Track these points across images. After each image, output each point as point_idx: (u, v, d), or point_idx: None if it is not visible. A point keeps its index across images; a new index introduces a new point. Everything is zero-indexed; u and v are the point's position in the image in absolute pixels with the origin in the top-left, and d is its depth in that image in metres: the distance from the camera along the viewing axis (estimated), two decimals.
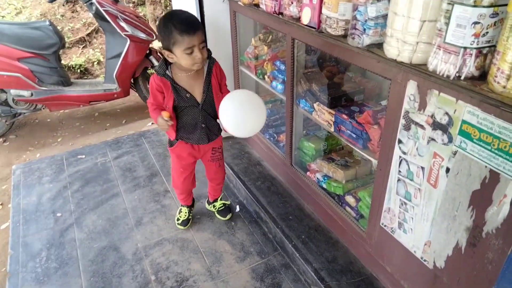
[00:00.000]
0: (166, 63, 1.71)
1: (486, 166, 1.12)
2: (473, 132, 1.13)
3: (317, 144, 2.14)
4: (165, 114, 1.66)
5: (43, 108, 3.67)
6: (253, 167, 2.59)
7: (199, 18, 2.50)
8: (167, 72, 1.70)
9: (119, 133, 3.55)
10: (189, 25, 1.57)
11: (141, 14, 4.84)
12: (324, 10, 1.61)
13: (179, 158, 2.01)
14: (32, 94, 3.43)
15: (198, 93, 1.77)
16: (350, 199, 1.87)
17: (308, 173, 2.17)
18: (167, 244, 2.10)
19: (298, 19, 1.82)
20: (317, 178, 2.07)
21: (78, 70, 4.54)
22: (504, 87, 1.04)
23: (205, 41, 1.68)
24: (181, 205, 2.23)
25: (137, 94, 3.91)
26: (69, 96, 3.56)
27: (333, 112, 1.81)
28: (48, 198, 2.53)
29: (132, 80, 3.76)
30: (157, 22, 1.63)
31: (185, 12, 1.67)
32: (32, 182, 2.70)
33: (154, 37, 3.63)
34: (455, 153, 1.21)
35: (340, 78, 2.01)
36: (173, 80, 1.71)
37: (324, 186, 2.01)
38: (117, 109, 4.12)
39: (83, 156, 2.96)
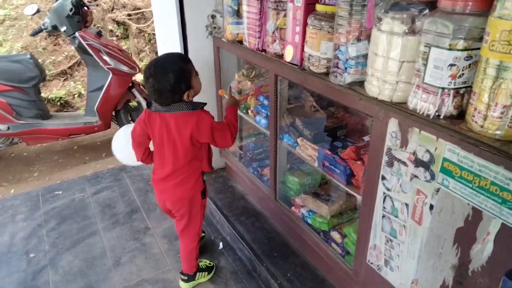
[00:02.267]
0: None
1: (468, 204, 1.13)
2: (454, 169, 1.15)
3: (302, 178, 2.13)
4: (222, 92, 1.84)
5: (20, 142, 3.57)
6: (237, 201, 2.55)
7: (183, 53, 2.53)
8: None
9: (98, 167, 3.47)
10: (186, 58, 1.67)
11: (124, 48, 4.87)
12: (306, 49, 1.66)
13: (206, 201, 1.94)
14: (9, 128, 3.34)
15: None
16: (335, 235, 1.85)
17: (293, 208, 2.15)
18: (147, 286, 2.01)
19: (281, 56, 1.86)
20: (302, 213, 2.05)
21: (58, 103, 4.48)
22: (482, 126, 1.07)
23: None
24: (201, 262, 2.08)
25: (118, 127, 3.86)
26: (48, 129, 3.49)
27: (317, 148, 1.82)
28: (21, 237, 2.41)
29: (113, 113, 3.73)
30: (164, 74, 1.55)
31: (167, 55, 1.66)
32: (4, 220, 2.58)
33: (137, 70, 3.64)
34: (437, 190, 1.22)
35: (323, 114, 2.04)
36: None
37: (309, 221, 1.99)
38: (97, 142, 4.05)
39: (60, 192, 2.86)
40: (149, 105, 1.67)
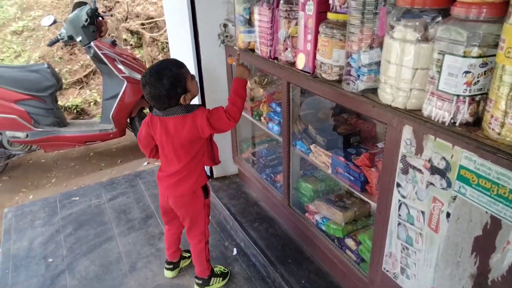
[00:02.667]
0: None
1: (486, 212, 1.11)
2: (471, 177, 1.14)
3: (315, 185, 2.13)
4: (230, 60, 1.85)
5: (38, 149, 3.66)
6: (250, 207, 2.56)
7: (196, 62, 2.57)
8: None
9: (114, 173, 3.52)
10: (180, 62, 1.70)
11: (138, 56, 4.95)
12: (318, 56, 1.66)
13: (209, 200, 1.95)
14: (27, 136, 3.43)
15: None
16: (350, 242, 1.84)
17: (306, 214, 2.14)
18: None
19: (293, 64, 1.86)
20: (316, 220, 2.04)
21: (75, 111, 4.58)
22: (499, 133, 1.06)
23: None
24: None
25: (133, 134, 3.92)
26: (65, 136, 3.57)
27: (330, 154, 1.81)
28: (40, 242, 2.46)
29: (128, 120, 3.79)
30: (158, 80, 1.59)
31: (161, 62, 1.70)
32: (24, 226, 2.64)
33: None
34: (454, 198, 1.21)
35: (336, 120, 2.03)
36: None
37: (323, 228, 1.98)
38: (112, 148, 4.11)
39: (77, 198, 2.92)
40: (151, 108, 1.75)
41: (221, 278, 2.05)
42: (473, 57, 1.08)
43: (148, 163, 3.69)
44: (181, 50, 2.77)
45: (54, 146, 3.62)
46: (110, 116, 3.61)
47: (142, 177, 3.17)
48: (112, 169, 3.67)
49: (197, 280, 2.01)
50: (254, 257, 2.21)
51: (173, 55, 3.10)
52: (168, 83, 1.60)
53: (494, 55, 1.06)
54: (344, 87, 1.54)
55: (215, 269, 2.06)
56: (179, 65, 1.67)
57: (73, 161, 3.88)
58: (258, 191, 2.63)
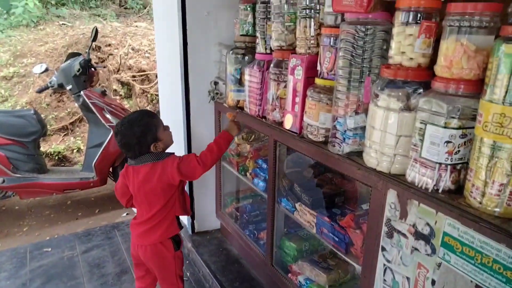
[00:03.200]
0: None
1: (471, 281, 1.11)
2: (455, 244, 1.15)
3: (299, 244, 2.10)
4: (229, 115, 1.89)
5: (13, 195, 3.53)
6: (231, 265, 2.48)
7: (185, 117, 2.61)
8: None
9: (91, 224, 3.39)
10: (150, 111, 1.79)
11: (127, 106, 5.01)
12: (305, 118, 1.72)
13: (182, 254, 1.91)
14: (3, 181, 3.31)
15: None
16: None
17: (289, 275, 2.08)
18: None
19: (281, 123, 1.92)
20: (299, 281, 1.98)
21: (56, 157, 4.49)
22: (480, 202, 1.09)
23: None
24: None
25: (114, 183, 3.84)
26: (43, 184, 3.46)
27: (315, 214, 1.81)
28: None
29: (111, 169, 3.73)
30: (129, 128, 1.68)
31: (133, 112, 1.79)
32: None
33: None
34: (439, 265, 1.21)
35: (321, 180, 2.06)
36: None
37: None
38: (91, 197, 4.00)
39: (49, 249, 2.77)
40: (126, 159, 1.82)
41: None
42: (453, 128, 1.14)
43: (127, 214, 3.58)
44: (171, 103, 2.83)
45: (31, 193, 3.50)
46: (93, 164, 3.55)
47: (120, 229, 3.06)
48: (89, 219, 3.53)
49: None
50: None
51: (162, 107, 3.15)
52: (138, 131, 1.67)
53: (473, 127, 1.12)
54: (330, 148, 1.59)
55: None
56: (150, 115, 1.75)
57: (48, 209, 3.73)
58: (240, 248, 2.56)
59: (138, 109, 5.23)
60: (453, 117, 1.13)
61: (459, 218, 1.12)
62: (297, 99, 1.76)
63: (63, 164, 4.49)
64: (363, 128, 1.48)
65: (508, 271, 1.01)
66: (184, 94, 2.56)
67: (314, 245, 2.14)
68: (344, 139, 1.53)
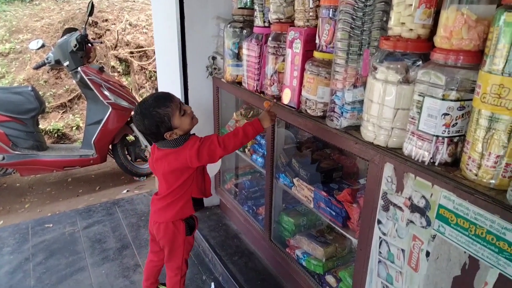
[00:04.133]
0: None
1: (465, 252, 1.13)
2: (450, 216, 1.16)
3: (297, 219, 2.12)
4: (266, 104, 1.71)
5: (14, 173, 3.54)
6: (230, 240, 2.51)
7: (183, 92, 2.59)
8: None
9: (91, 201, 3.42)
10: (164, 98, 1.63)
11: (125, 83, 4.97)
12: (303, 93, 1.71)
13: (193, 240, 1.88)
14: (3, 158, 3.32)
15: None
16: (330, 279, 1.82)
17: (287, 249, 2.11)
18: None
19: (279, 98, 1.91)
20: (297, 255, 2.02)
21: (56, 135, 4.49)
22: (476, 174, 1.09)
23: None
24: None
25: (114, 160, 3.85)
26: (43, 161, 3.47)
27: (313, 189, 1.82)
28: (6, 271, 2.33)
29: (110, 147, 3.74)
30: (141, 120, 1.60)
31: (147, 98, 1.67)
32: None
33: (136, 103, 3.69)
34: (434, 237, 1.22)
35: (319, 155, 2.06)
36: None
37: (304, 263, 1.95)
38: (91, 175, 4.02)
39: (51, 225, 2.81)
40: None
41: None
42: (451, 100, 1.13)
43: (127, 190, 3.61)
44: (169, 79, 2.80)
45: (31, 170, 3.51)
46: (92, 142, 3.55)
47: (120, 205, 3.09)
48: (90, 196, 3.56)
49: None
50: None
51: (161, 84, 3.12)
52: (149, 124, 1.60)
53: (471, 99, 1.11)
54: (328, 123, 1.58)
55: None
56: (164, 104, 1.60)
57: (49, 186, 3.76)
58: (239, 223, 2.59)
59: (137, 86, 5.19)
60: (452, 89, 1.12)
61: (454, 190, 1.13)
62: (295, 73, 1.74)
63: (62, 142, 4.50)
64: (361, 102, 1.46)
65: (501, 242, 1.03)
66: (181, 70, 2.53)
67: (312, 220, 2.16)
68: (342, 113, 1.52)
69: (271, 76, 1.93)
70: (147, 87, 5.19)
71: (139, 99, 5.13)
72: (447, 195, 1.16)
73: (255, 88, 2.07)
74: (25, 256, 2.47)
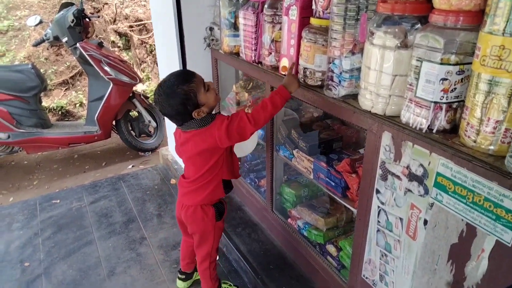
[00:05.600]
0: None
1: (462, 220, 1.11)
2: (448, 184, 1.14)
3: (298, 190, 2.12)
4: (284, 68, 1.63)
5: (20, 151, 3.59)
6: (234, 212, 2.54)
7: (181, 65, 2.55)
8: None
9: (97, 176, 3.47)
10: (187, 75, 1.55)
11: (126, 58, 4.91)
12: (301, 61, 1.66)
13: (223, 225, 1.80)
14: (9, 136, 3.35)
15: None
16: (331, 248, 1.83)
17: (289, 219, 2.13)
18: None
19: (277, 68, 1.86)
20: (298, 226, 2.03)
21: (60, 112, 4.50)
22: (475, 141, 1.06)
23: None
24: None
25: (119, 136, 3.87)
26: (48, 138, 3.50)
27: (312, 160, 1.81)
28: (17, 246, 2.40)
29: (114, 123, 3.74)
30: (165, 101, 1.51)
31: (168, 77, 1.57)
32: (1, 229, 2.57)
33: (138, 80, 3.66)
34: (431, 205, 1.21)
35: (319, 126, 2.03)
36: None
37: (305, 234, 1.97)
38: (97, 151, 4.05)
39: (58, 201, 2.86)
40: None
41: None
42: (450, 64, 1.08)
43: (133, 166, 3.64)
44: (167, 53, 2.75)
45: (37, 147, 3.55)
46: (95, 118, 3.56)
47: (125, 180, 3.12)
48: (96, 171, 3.61)
49: None
50: (236, 263, 2.18)
51: (160, 58, 3.08)
52: (176, 103, 1.50)
53: (471, 63, 1.06)
54: (326, 92, 1.54)
55: (224, 285, 1.97)
56: (187, 80, 1.51)
57: (56, 163, 3.81)
58: (242, 196, 2.61)
59: (138, 61, 5.13)
60: (451, 52, 1.07)
61: (452, 158, 1.10)
62: (292, 42, 1.69)
63: (66, 119, 4.52)
64: (359, 70, 1.42)
65: (498, 209, 1.01)
66: (179, 42, 2.48)
67: (313, 191, 2.16)
68: (339, 81, 1.48)
69: (269, 45, 1.88)
70: (148, 62, 5.12)
71: (141, 74, 5.10)
72: (445, 163, 1.13)
73: (253, 59, 2.02)
74: (34, 231, 2.53)
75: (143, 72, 5.11)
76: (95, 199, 2.87)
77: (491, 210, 1.03)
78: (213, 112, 1.63)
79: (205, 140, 1.57)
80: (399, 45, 1.23)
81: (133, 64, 5.02)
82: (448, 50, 1.07)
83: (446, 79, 1.10)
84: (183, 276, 2.03)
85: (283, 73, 1.78)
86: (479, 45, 1.01)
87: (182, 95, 1.49)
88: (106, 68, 3.49)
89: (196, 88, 1.51)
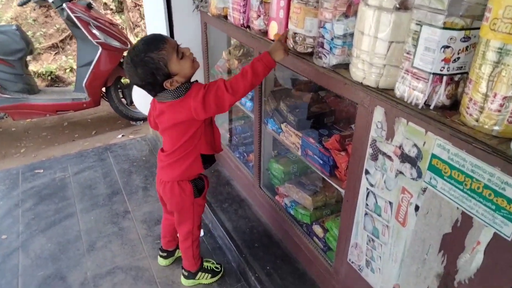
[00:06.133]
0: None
1: (458, 208, 0.99)
2: (443, 168, 1.00)
3: (287, 166, 2.00)
4: (275, 35, 1.48)
5: (6, 117, 3.48)
6: (221, 187, 2.43)
7: (168, 28, 2.37)
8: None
9: (86, 145, 3.36)
10: (156, 40, 1.37)
11: (119, 22, 4.68)
12: (290, 25, 1.49)
13: (205, 198, 1.72)
14: None
15: None
16: (317, 229, 1.73)
17: (276, 197, 2.02)
18: (119, 273, 1.92)
19: (266, 33, 1.69)
20: (285, 203, 1.92)
21: (49, 77, 4.34)
22: (477, 120, 0.92)
23: None
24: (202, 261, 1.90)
25: (109, 104, 3.73)
26: (34, 104, 3.37)
27: (300, 135, 1.67)
28: None
29: (104, 90, 3.59)
30: (133, 70, 1.36)
31: (137, 44, 1.39)
32: None
33: (129, 45, 3.49)
34: (424, 190, 1.08)
35: (311, 98, 1.87)
36: None
37: (292, 212, 1.87)
38: (87, 119, 3.93)
39: (41, 171, 2.76)
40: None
41: (209, 275, 1.87)
42: (454, 29, 0.92)
43: (122, 135, 3.53)
44: (154, 15, 2.56)
45: (23, 114, 3.42)
46: (83, 85, 3.41)
47: (112, 151, 3.01)
48: (85, 140, 3.50)
49: (183, 271, 1.86)
50: (221, 240, 2.10)
51: (148, 21, 2.88)
52: (144, 73, 1.35)
53: (478, 28, 0.90)
54: (315, 61, 1.38)
55: (206, 263, 1.89)
56: (157, 46, 1.34)
57: (45, 131, 3.69)
58: (230, 170, 2.50)
59: (131, 25, 4.90)
60: (455, 15, 0.91)
61: (450, 138, 0.96)
62: (282, 3, 1.52)
63: (56, 85, 4.36)
64: (353, 36, 1.25)
65: (499, 198, 0.88)
66: (165, 2, 2.28)
67: (303, 168, 2.04)
68: (330, 48, 1.31)
69: (257, 7, 1.70)
70: (142, 26, 4.89)
71: (134, 39, 4.88)
72: (441, 144, 0.99)
73: (241, 22, 1.85)
74: (14, 202, 2.44)
75: (137, 36, 4.88)
76: (80, 170, 2.77)
77: (491, 199, 0.90)
78: (192, 81, 1.48)
79: (180, 111, 1.43)
80: (397, 6, 1.06)
81: (126, 28, 4.80)
82: (453, 12, 0.91)
83: (449, 47, 0.94)
84: (165, 254, 1.95)
85: (272, 38, 1.61)
86: (489, 5, 0.85)
87: (151, 64, 1.33)
88: (95, 31, 3.31)
89: (166, 56, 1.34)
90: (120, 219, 2.29)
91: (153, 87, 1.41)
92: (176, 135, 1.50)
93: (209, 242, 2.12)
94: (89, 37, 3.30)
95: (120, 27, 3.99)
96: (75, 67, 4.42)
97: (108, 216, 2.31)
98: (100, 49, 3.33)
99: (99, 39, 3.33)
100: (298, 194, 1.84)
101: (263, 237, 2.03)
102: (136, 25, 4.93)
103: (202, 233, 2.17)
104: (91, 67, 3.38)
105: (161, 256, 1.96)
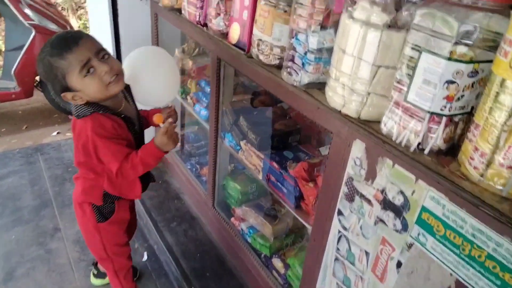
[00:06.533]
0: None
1: (451, 274, 0.83)
2: (436, 225, 0.83)
3: (245, 186, 1.78)
4: (158, 119, 1.20)
5: None
6: (170, 201, 2.17)
7: (111, 20, 2.04)
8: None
9: (13, 143, 2.92)
10: (64, 41, 1.09)
11: (59, 1, 4.17)
12: (255, 30, 1.26)
13: (123, 223, 1.44)
14: None
15: (135, 120, 1.31)
16: (277, 263, 1.54)
17: (232, 219, 1.80)
18: None
19: (226, 35, 1.45)
20: (242, 229, 1.71)
21: None
22: (482, 175, 0.75)
23: (104, 49, 1.16)
24: None
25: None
26: None
27: (262, 157, 1.45)
28: None
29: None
30: (37, 63, 1.13)
31: (51, 38, 1.13)
32: None
33: (68, 28, 3.07)
34: (410, 246, 0.91)
35: (274, 112, 1.66)
36: (120, 113, 1.22)
37: (249, 240, 1.66)
38: (18, 110, 3.45)
39: None
40: None
41: None
42: (461, 62, 0.74)
43: (58, 132, 3.12)
44: (97, 4, 2.21)
45: None
46: (12, 72, 2.96)
47: (44, 152, 2.62)
48: (13, 137, 3.05)
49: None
50: (167, 266, 1.85)
51: (90, 5, 2.51)
52: (42, 73, 1.13)
53: (490, 62, 0.73)
54: (284, 77, 1.17)
55: None
56: (59, 53, 1.07)
57: None
58: (181, 182, 2.24)
59: (74, 6, 4.39)
60: (465, 43, 0.73)
61: (447, 192, 0.79)
62: (246, 2, 1.28)
63: None
64: (330, 51, 1.05)
65: (507, 273, 0.72)
66: None
67: (263, 187, 1.82)
68: (303, 64, 1.10)
69: (216, 3, 1.44)
70: (86, 8, 4.40)
71: (76, 22, 4.39)
72: (435, 197, 0.82)
73: (197, 19, 1.59)
74: None
75: (80, 20, 4.37)
76: (2, 175, 2.36)
77: (495, 273, 0.74)
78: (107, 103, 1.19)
79: (80, 135, 1.17)
80: (388, 22, 0.87)
81: (67, 9, 4.28)
82: (463, 39, 0.73)
83: (454, 82, 0.76)
84: (96, 272, 1.72)
85: (233, 43, 1.37)
86: (509, 36, 0.67)
87: (47, 68, 1.09)
88: (27, 10, 2.89)
89: (66, 68, 1.08)
90: (48, 238, 1.95)
91: (55, 92, 1.16)
92: (78, 153, 1.24)
93: (153, 267, 1.86)
94: (20, 17, 2.86)
95: (60, 8, 3.52)
96: (3, 49, 3.88)
97: (33, 235, 1.96)
98: (34, 32, 2.92)
99: (32, 20, 2.91)
100: (257, 220, 1.63)
101: (216, 265, 1.80)
102: (79, 7, 4.43)
103: (145, 257, 1.90)
104: (22, 52, 2.96)
105: (93, 274, 1.72)
